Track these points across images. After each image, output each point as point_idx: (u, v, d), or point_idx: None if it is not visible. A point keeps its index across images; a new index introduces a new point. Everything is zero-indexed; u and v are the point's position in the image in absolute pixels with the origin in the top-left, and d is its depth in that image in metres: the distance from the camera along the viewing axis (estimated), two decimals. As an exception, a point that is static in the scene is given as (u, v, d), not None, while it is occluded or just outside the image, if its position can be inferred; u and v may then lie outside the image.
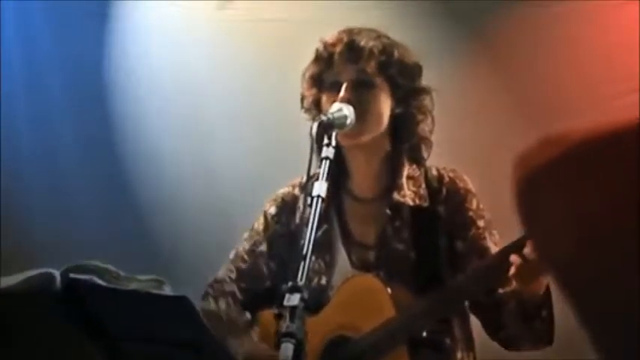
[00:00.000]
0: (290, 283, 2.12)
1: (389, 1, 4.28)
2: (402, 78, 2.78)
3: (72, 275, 2.04)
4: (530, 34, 4.21)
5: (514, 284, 2.59)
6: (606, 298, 0.91)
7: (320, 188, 2.35)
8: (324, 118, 2.51)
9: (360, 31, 2.80)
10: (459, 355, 2.76)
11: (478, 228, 2.76)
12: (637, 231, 0.86)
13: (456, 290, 2.68)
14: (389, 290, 2.66)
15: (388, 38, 2.81)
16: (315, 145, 2.46)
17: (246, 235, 2.95)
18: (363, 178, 2.83)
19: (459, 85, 4.23)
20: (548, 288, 2.56)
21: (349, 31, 2.80)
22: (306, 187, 2.84)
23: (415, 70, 2.82)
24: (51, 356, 2.18)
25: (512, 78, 4.27)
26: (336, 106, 2.61)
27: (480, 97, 4.28)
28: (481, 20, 4.30)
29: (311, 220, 2.28)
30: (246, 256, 2.92)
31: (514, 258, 2.47)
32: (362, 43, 2.74)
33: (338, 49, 2.76)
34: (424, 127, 2.83)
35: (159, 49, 4.91)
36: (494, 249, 2.68)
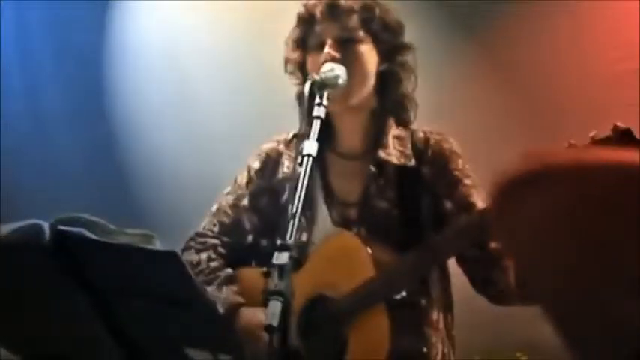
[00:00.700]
0: (279, 241, 2.12)
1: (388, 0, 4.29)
2: (385, 34, 2.79)
3: (61, 227, 2.03)
4: (528, 30, 4.22)
5: None
6: (576, 306, 0.95)
7: (310, 147, 2.35)
8: (316, 77, 2.51)
9: None
10: (434, 315, 2.76)
11: (464, 186, 2.77)
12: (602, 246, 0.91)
13: (436, 247, 2.66)
14: (369, 249, 2.67)
15: None
16: (305, 105, 2.45)
17: (229, 189, 2.96)
18: (348, 135, 2.84)
19: (458, 85, 4.25)
20: None
21: None
22: (297, 146, 2.85)
23: (397, 26, 2.83)
24: (39, 307, 2.18)
25: (512, 74, 4.28)
26: (328, 65, 2.61)
27: (480, 92, 4.29)
28: (479, 18, 4.30)
29: (301, 179, 2.29)
30: (229, 210, 2.93)
31: None
32: (342, 1, 2.75)
33: (319, 9, 2.76)
34: (407, 85, 2.84)
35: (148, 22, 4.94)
36: (481, 206, 2.68)
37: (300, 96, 2.81)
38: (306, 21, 2.79)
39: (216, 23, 4.91)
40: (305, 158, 2.33)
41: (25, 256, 2.08)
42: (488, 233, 2.56)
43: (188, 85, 4.96)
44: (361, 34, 2.74)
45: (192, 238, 2.94)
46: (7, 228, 2.06)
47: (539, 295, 0.97)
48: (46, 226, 2.03)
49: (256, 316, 2.65)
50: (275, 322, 1.97)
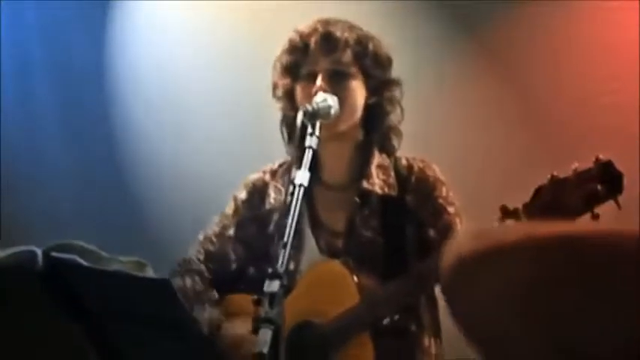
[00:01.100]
0: (270, 270, 2.14)
1: (390, 0, 4.32)
2: (376, 69, 2.83)
3: (54, 254, 2.05)
4: (528, 33, 4.24)
5: None
6: None
7: (303, 177, 2.37)
8: (309, 107, 2.53)
9: (335, 21, 2.85)
10: (425, 341, 2.79)
11: (449, 214, 2.80)
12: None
13: (419, 275, 2.68)
14: (354, 277, 2.70)
15: (362, 29, 2.86)
16: (297, 134, 2.47)
17: (216, 218, 3.00)
18: (334, 166, 2.87)
19: (458, 84, 4.27)
20: None
21: (324, 22, 2.84)
22: (282, 176, 2.90)
23: (387, 62, 2.87)
24: (30, 332, 2.19)
25: (512, 73, 4.30)
26: (321, 96, 2.64)
27: (480, 95, 4.31)
28: (480, 20, 4.33)
29: (292, 208, 2.30)
30: (214, 239, 2.97)
31: None
32: (338, 34, 2.78)
33: (313, 39, 2.79)
34: (394, 118, 2.88)
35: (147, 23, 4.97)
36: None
37: (285, 122, 2.88)
38: (299, 49, 2.81)
39: (217, 23, 4.94)
40: (297, 188, 2.35)
41: (18, 282, 2.09)
42: None
43: (186, 88, 4.98)
44: (353, 69, 2.78)
45: (179, 264, 2.97)
46: (0, 253, 2.08)
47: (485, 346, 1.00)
48: (38, 252, 2.05)
49: (235, 329, 2.72)
50: (266, 350, 1.98)
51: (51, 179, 4.96)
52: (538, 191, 2.39)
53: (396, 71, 2.91)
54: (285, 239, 2.23)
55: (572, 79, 4.15)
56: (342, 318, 2.68)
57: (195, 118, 4.83)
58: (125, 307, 2.08)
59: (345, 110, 2.72)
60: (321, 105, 2.59)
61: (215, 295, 2.90)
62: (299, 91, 2.81)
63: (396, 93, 2.87)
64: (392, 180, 2.83)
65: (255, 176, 2.99)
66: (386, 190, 2.81)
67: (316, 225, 2.86)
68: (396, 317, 2.71)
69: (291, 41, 2.84)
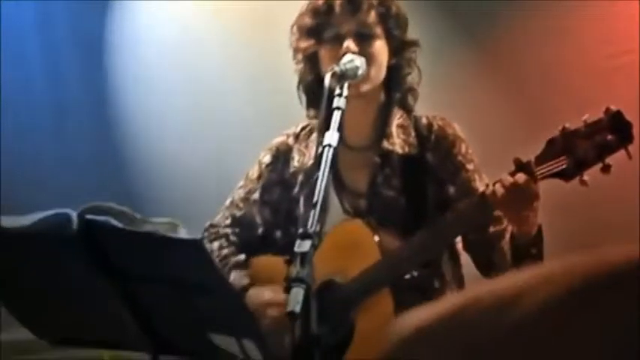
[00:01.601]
0: (300, 230, 2.17)
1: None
2: (397, 30, 2.84)
3: (88, 216, 2.08)
4: (530, 31, 4.24)
5: (505, 224, 2.66)
6: None
7: (332, 137, 2.39)
8: (337, 68, 2.54)
9: None
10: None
11: (467, 171, 2.83)
12: None
13: (438, 231, 2.71)
14: (375, 236, 2.73)
15: None
16: (325, 95, 2.48)
17: (241, 183, 3.02)
18: (356, 127, 2.87)
19: (459, 83, 4.28)
20: (539, 229, 2.63)
21: None
22: (305, 139, 2.92)
23: (406, 23, 2.88)
24: (66, 293, 2.23)
25: (513, 73, 4.31)
26: (348, 56, 2.64)
27: (482, 93, 4.32)
28: (481, 18, 4.33)
29: (322, 168, 2.32)
30: (240, 204, 3.00)
31: (499, 188, 2.51)
32: None
33: (338, 1, 2.79)
34: (413, 79, 2.89)
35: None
36: (482, 186, 2.71)
37: (304, 86, 2.89)
38: (322, 12, 2.81)
39: (222, 13, 4.96)
40: (326, 148, 2.37)
41: (53, 244, 2.12)
42: (488, 216, 2.62)
43: (195, 74, 5.00)
44: (378, 30, 2.79)
45: (205, 229, 3.02)
46: (35, 217, 2.12)
47: None
48: (73, 215, 2.08)
49: (262, 294, 2.77)
50: (298, 309, 2.02)
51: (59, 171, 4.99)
52: (549, 143, 2.40)
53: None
54: (315, 199, 2.25)
55: (575, 80, 4.16)
56: (363, 276, 2.71)
57: (208, 105, 4.88)
58: (158, 268, 2.12)
59: (370, 71, 2.74)
60: (348, 66, 2.60)
61: (241, 258, 2.94)
62: (324, 53, 2.81)
63: (414, 54, 2.88)
64: (412, 139, 2.85)
65: (278, 140, 3.00)
66: (406, 149, 2.83)
67: (339, 185, 2.88)
68: (416, 273, 2.74)
69: (313, 5, 2.83)
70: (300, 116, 2.99)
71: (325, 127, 2.45)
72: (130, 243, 2.09)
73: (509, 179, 2.50)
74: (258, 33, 4.72)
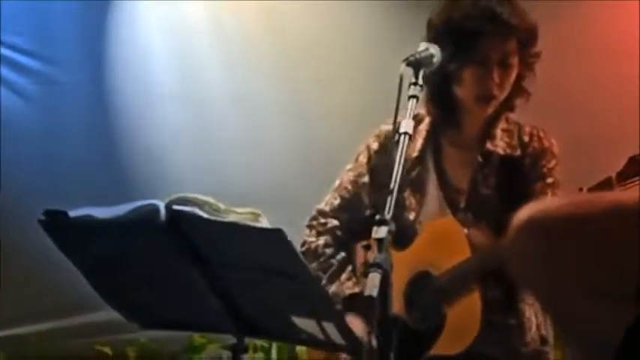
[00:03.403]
0: (377, 217, 2.25)
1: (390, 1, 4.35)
2: (529, 45, 2.96)
3: (175, 207, 2.18)
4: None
5: None
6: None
7: (407, 125, 2.46)
8: (411, 57, 2.60)
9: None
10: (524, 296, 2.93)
11: (544, 183, 2.94)
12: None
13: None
14: (465, 232, 2.85)
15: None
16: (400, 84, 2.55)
17: (349, 166, 3.13)
18: (467, 128, 3.02)
19: None
20: None
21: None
22: (394, 125, 2.99)
23: (537, 37, 2.97)
24: (156, 280, 2.34)
25: None
26: (423, 45, 2.69)
27: None
28: None
29: (398, 155, 2.40)
30: (349, 186, 3.11)
31: None
32: (507, 22, 2.87)
33: (488, 26, 2.86)
34: (528, 83, 3.00)
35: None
36: None
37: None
38: (467, 27, 2.88)
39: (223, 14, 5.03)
40: (402, 136, 2.44)
41: (144, 233, 2.23)
42: None
43: (193, 76, 5.08)
44: (515, 58, 2.91)
45: (314, 217, 3.14)
46: (125, 208, 2.22)
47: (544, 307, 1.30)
48: (161, 206, 2.18)
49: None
50: (375, 294, 2.10)
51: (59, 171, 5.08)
52: (631, 160, 2.45)
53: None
54: (392, 186, 2.33)
55: (576, 79, 4.14)
56: (455, 270, 2.84)
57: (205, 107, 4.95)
58: (241, 255, 2.21)
59: (500, 96, 2.92)
60: (423, 54, 2.64)
61: (342, 255, 3.06)
62: (468, 73, 2.93)
63: (536, 62, 2.99)
64: (514, 142, 2.98)
65: (386, 127, 3.08)
66: (508, 151, 2.97)
67: (442, 180, 3.01)
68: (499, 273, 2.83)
69: (452, 18, 2.91)
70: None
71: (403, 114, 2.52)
72: (215, 232, 2.18)
73: None
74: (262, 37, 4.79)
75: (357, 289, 2.94)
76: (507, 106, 3.00)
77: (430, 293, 2.87)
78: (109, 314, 4.43)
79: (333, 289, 2.96)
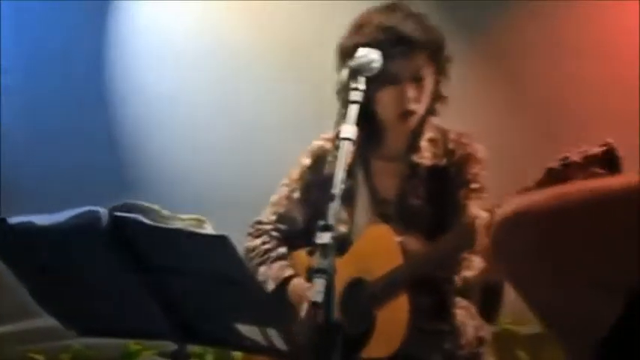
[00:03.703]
0: (322, 222, 2.25)
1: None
2: (441, 55, 3.01)
3: (118, 213, 2.17)
4: (531, 30, 4.29)
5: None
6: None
7: (348, 131, 2.47)
8: (352, 64, 2.61)
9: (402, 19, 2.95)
10: (457, 300, 2.98)
11: (469, 189, 2.98)
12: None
13: (453, 238, 2.85)
14: (398, 239, 2.89)
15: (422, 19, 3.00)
16: (342, 90, 2.57)
17: (285, 181, 3.18)
18: (393, 141, 3.06)
19: (458, 84, 4.35)
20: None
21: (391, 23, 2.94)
22: (337, 133, 3.01)
23: (444, 43, 3.02)
24: (97, 286, 2.32)
25: (511, 77, 4.37)
26: (363, 51, 2.70)
27: (483, 92, 4.38)
28: (482, 18, 4.38)
29: (339, 161, 2.41)
30: (284, 201, 3.16)
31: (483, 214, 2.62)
32: (412, 38, 2.91)
33: (392, 47, 2.88)
34: (443, 88, 3.05)
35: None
36: (475, 211, 2.79)
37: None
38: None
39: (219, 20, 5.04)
40: (343, 142, 2.45)
41: (85, 240, 2.21)
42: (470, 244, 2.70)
43: (189, 79, 5.09)
44: (427, 70, 2.96)
45: (252, 225, 3.19)
46: (67, 214, 2.20)
47: (534, 304, 1.30)
48: (103, 212, 2.17)
49: (304, 284, 2.91)
50: (320, 299, 2.11)
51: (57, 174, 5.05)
52: (549, 172, 2.49)
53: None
54: (334, 192, 2.34)
55: (576, 79, 4.21)
56: (387, 277, 2.88)
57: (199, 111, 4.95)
58: (185, 261, 2.20)
59: (420, 109, 2.97)
60: (363, 60, 2.65)
61: (283, 250, 3.12)
62: (383, 95, 2.97)
63: (449, 67, 3.04)
64: (440, 152, 3.02)
65: (317, 143, 3.15)
66: (435, 161, 3.01)
67: (372, 193, 3.05)
68: (428, 278, 2.91)
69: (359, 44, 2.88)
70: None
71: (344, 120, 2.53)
72: (159, 238, 2.17)
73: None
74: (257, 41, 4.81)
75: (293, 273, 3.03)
76: (429, 112, 3.04)
77: (363, 299, 2.91)
78: (43, 321, 4.41)
79: (270, 272, 3.03)
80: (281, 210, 3.15)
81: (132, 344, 4.75)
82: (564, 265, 1.22)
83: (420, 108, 2.97)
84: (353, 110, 2.52)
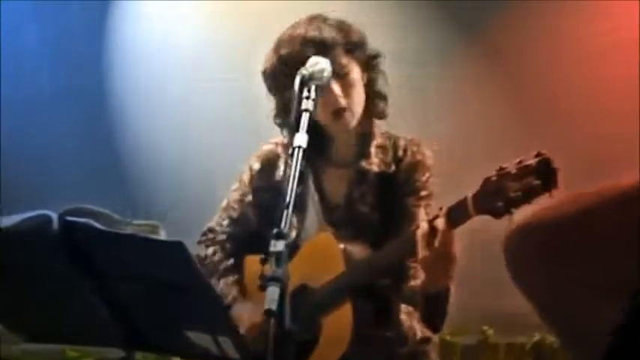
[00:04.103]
0: (275, 230, 2.24)
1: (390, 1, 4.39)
2: (361, 51, 2.97)
3: (68, 218, 2.14)
4: (527, 32, 4.33)
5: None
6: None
7: (300, 139, 2.46)
8: (304, 72, 2.61)
9: (316, 25, 2.94)
10: (402, 306, 2.98)
11: (417, 197, 2.97)
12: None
13: (397, 246, 2.84)
14: (341, 247, 2.88)
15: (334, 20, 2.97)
16: (296, 99, 2.57)
17: (235, 186, 3.15)
18: (341, 146, 3.03)
19: (459, 84, 4.37)
20: (447, 290, 2.77)
21: (309, 30, 2.93)
22: (290, 139, 3.00)
23: (365, 40, 2.99)
24: (45, 291, 2.29)
25: (511, 78, 4.40)
26: (314, 59, 2.71)
27: (482, 91, 4.40)
28: (480, 16, 4.41)
29: (292, 169, 2.40)
30: (235, 205, 3.14)
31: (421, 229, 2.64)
32: (327, 37, 2.90)
33: (309, 49, 2.86)
34: (382, 86, 3.02)
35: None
36: (423, 218, 2.80)
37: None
38: (293, 61, 2.86)
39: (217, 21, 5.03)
40: (296, 150, 2.44)
41: (34, 245, 2.18)
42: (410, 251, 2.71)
43: (187, 84, 5.07)
44: (352, 64, 2.93)
45: (204, 233, 3.17)
46: (17, 218, 2.17)
47: (539, 308, 1.38)
48: (54, 216, 2.14)
49: (242, 316, 2.91)
50: (274, 307, 2.10)
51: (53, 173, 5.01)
52: (485, 182, 2.51)
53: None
54: (287, 200, 2.33)
55: (576, 77, 4.24)
56: (330, 284, 2.87)
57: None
58: (138, 269, 2.18)
59: (356, 104, 2.93)
60: (315, 69, 2.65)
61: (229, 262, 3.10)
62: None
63: (379, 62, 3.01)
64: (389, 159, 3.00)
65: (267, 147, 3.13)
66: (383, 167, 2.99)
67: (321, 199, 3.04)
68: (373, 286, 2.90)
69: (280, 56, 2.95)
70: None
71: (295, 129, 2.52)
72: (110, 243, 2.15)
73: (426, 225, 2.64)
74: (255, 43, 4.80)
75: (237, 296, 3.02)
76: (373, 113, 3.02)
77: (307, 306, 2.90)
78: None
79: (217, 287, 3.01)
80: (233, 214, 3.14)
81: (70, 351, 4.71)
82: (561, 270, 1.26)
83: (352, 104, 2.92)
84: (304, 118, 2.52)
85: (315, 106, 2.61)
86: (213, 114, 4.97)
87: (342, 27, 2.96)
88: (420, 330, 2.98)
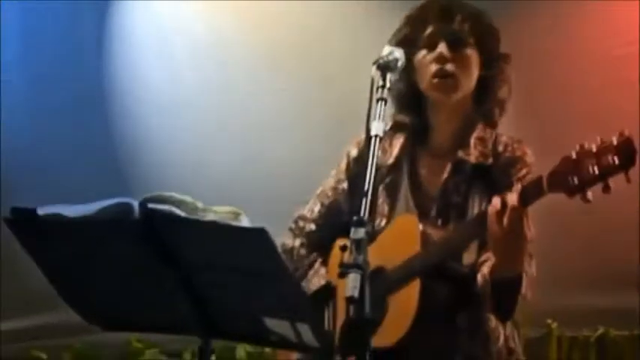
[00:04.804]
0: (355, 217, 2.25)
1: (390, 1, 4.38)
2: (489, 43, 3.01)
3: (150, 205, 2.14)
4: (529, 28, 4.30)
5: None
6: None
7: (377, 128, 2.47)
8: (380, 61, 2.61)
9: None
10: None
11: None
12: None
13: (469, 228, 2.86)
14: (421, 227, 2.87)
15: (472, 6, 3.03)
16: (374, 87, 2.57)
17: (332, 172, 3.18)
18: (440, 135, 3.05)
19: None
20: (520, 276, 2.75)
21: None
22: (390, 136, 3.02)
23: (498, 37, 3.05)
24: (127, 281, 2.30)
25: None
26: (388, 48, 2.71)
27: None
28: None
29: (370, 158, 2.40)
30: (329, 193, 3.16)
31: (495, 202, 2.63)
32: (454, 7, 2.97)
33: (432, 11, 2.97)
34: (503, 92, 3.04)
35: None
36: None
37: (395, 91, 2.98)
38: (416, 21, 2.99)
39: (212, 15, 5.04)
40: (373, 139, 2.44)
41: (115, 233, 2.18)
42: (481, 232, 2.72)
43: (184, 75, 5.09)
44: (471, 40, 2.95)
45: (295, 221, 3.20)
46: (97, 205, 2.17)
47: None
48: (135, 204, 2.14)
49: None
50: (356, 294, 2.10)
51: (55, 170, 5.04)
52: (563, 160, 2.49)
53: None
54: (366, 188, 2.33)
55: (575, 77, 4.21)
56: (403, 265, 2.86)
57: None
58: (217, 255, 2.18)
59: (461, 79, 2.93)
60: (390, 58, 2.66)
61: (313, 256, 3.12)
62: (418, 60, 2.98)
63: (507, 67, 3.04)
64: (488, 151, 2.99)
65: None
66: (480, 159, 2.98)
67: (415, 187, 3.04)
68: (446, 267, 2.88)
69: (408, 16, 3.02)
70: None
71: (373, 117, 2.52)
72: (192, 231, 2.15)
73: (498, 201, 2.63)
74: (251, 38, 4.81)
75: (322, 281, 3.01)
76: (483, 115, 3.03)
77: (379, 288, 2.84)
78: (47, 318, 4.40)
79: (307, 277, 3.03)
80: (326, 201, 3.16)
81: (134, 342, 4.74)
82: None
83: (459, 73, 2.93)
84: (381, 107, 2.53)
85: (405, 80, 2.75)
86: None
87: (472, 9, 2.99)
88: (503, 334, 2.94)
